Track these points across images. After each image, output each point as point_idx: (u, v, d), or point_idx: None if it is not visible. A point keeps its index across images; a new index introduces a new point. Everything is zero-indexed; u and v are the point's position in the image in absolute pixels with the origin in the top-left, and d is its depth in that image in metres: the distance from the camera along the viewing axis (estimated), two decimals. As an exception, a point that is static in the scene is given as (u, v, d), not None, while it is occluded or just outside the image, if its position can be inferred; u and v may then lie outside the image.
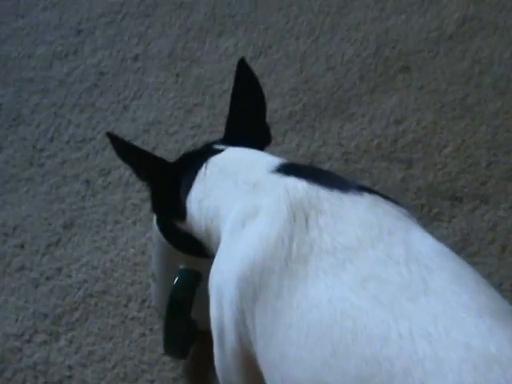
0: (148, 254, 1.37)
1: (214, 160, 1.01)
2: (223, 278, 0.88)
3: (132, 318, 1.31)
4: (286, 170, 0.92)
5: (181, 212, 1.04)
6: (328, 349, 0.72)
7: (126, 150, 1.09)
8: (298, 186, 0.86)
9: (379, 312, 0.71)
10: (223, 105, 1.66)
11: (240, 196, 0.92)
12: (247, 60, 1.71)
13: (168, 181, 1.07)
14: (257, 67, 1.72)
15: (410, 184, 1.52)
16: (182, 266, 1.15)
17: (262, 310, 0.80)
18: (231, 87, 1.67)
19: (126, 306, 1.33)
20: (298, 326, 0.76)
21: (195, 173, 1.01)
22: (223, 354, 0.91)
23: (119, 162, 1.53)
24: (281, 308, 0.78)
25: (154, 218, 1.19)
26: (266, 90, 1.68)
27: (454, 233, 1.43)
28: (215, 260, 0.92)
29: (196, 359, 1.27)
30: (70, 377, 1.24)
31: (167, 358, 1.26)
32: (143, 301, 1.33)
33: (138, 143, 1.58)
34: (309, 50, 1.78)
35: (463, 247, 1.40)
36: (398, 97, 1.68)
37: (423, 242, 0.79)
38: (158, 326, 1.28)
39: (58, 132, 1.60)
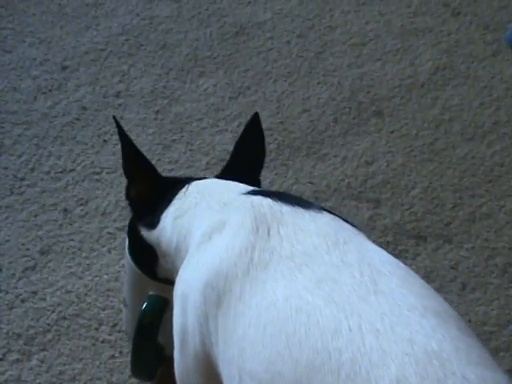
0: (121, 281, 1.41)
1: (196, 183, 1.08)
2: (189, 286, 0.92)
3: (103, 341, 1.34)
4: (255, 192, 0.99)
5: (153, 222, 1.10)
6: (283, 342, 0.77)
7: (126, 141, 1.15)
8: (263, 202, 0.92)
9: (332, 309, 0.76)
10: (200, 142, 1.71)
11: (210, 215, 0.98)
12: (226, 100, 1.80)
13: (153, 188, 1.13)
14: (235, 107, 1.79)
15: (377, 222, 1.57)
16: (151, 292, 1.19)
17: (225, 314, 0.85)
18: (209, 125, 1.75)
19: (97, 329, 1.36)
20: (256, 324, 0.80)
21: (177, 191, 1.07)
22: (184, 357, 0.94)
23: (97, 192, 1.59)
24: (242, 310, 0.83)
25: (126, 246, 1.24)
26: (242, 129, 1.75)
27: (418, 270, 1.47)
28: (181, 271, 0.97)
29: (162, 382, 1.30)
30: (39, 395, 1.27)
31: (135, 380, 1.29)
32: (114, 325, 1.37)
33: (116, 175, 1.63)
34: (286, 92, 1.84)
35: (426, 283, 1.45)
36: (369, 139, 1.74)
37: (376, 252, 0.85)
38: (128, 349, 1.31)
39: (38, 162, 1.64)
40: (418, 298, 0.77)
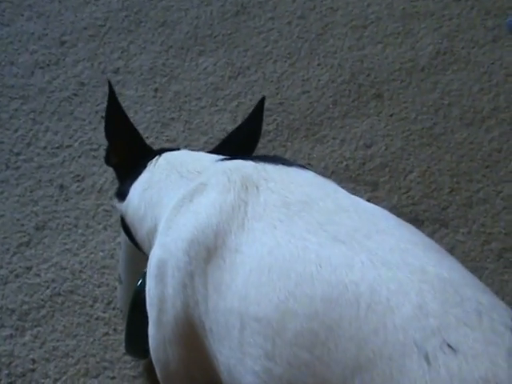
0: (116, 258, 1.40)
1: (166, 155, 1.08)
2: (167, 250, 0.92)
3: (97, 318, 1.34)
4: (230, 158, 1.00)
5: (123, 193, 1.10)
6: (292, 280, 0.78)
7: (113, 100, 1.13)
8: (245, 164, 0.94)
9: (339, 247, 0.79)
10: (199, 121, 1.71)
11: (184, 184, 0.98)
12: (225, 79, 1.79)
13: (134, 155, 1.12)
14: (234, 87, 1.78)
15: (374, 205, 1.57)
16: (146, 269, 1.18)
17: (218, 267, 0.85)
18: (208, 104, 1.74)
19: (91, 306, 1.36)
20: (259, 268, 0.81)
21: (147, 162, 1.07)
22: (162, 329, 0.94)
23: (94, 169, 1.58)
24: (240, 260, 0.84)
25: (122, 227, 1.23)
26: (241, 109, 1.75)
27: (414, 253, 1.48)
28: (157, 239, 0.96)
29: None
30: (33, 370, 1.27)
31: (128, 358, 1.29)
32: (109, 302, 1.36)
33: (113, 153, 1.62)
34: (285, 73, 1.83)
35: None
36: (368, 122, 1.74)
37: (364, 201, 0.89)
38: (122, 326, 1.31)
39: (35, 138, 1.63)
40: (416, 236, 0.81)
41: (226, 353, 0.84)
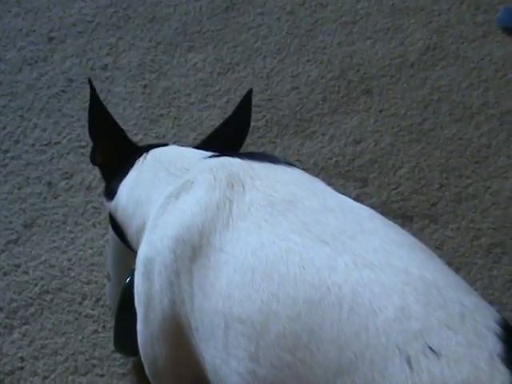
0: (105, 256, 1.40)
1: (153, 152, 1.07)
2: (154, 248, 0.92)
3: (86, 316, 1.34)
4: (217, 155, 1.00)
5: (111, 192, 1.09)
6: (275, 281, 0.78)
7: (95, 99, 1.12)
8: (232, 161, 0.93)
9: (323, 248, 0.78)
10: (188, 117, 1.70)
11: (172, 181, 0.98)
12: (214, 75, 1.78)
13: (119, 153, 1.11)
14: (224, 83, 1.77)
15: (364, 201, 1.56)
16: (134, 267, 1.18)
17: (203, 266, 0.85)
18: (197, 100, 1.73)
19: (80, 303, 1.35)
20: (242, 269, 0.81)
21: (134, 160, 1.07)
22: (150, 326, 0.93)
23: (82, 166, 1.58)
24: (224, 259, 0.83)
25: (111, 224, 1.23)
26: (231, 106, 1.74)
27: (404, 249, 1.48)
28: (144, 236, 0.96)
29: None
30: (21, 368, 1.26)
31: (118, 355, 1.28)
32: (98, 299, 1.36)
33: (102, 149, 1.61)
34: (275, 69, 1.82)
35: (411, 263, 1.45)
36: (358, 118, 1.73)
37: (351, 201, 0.88)
38: (111, 324, 1.31)
39: (23, 134, 1.62)
40: (401, 237, 0.81)
41: (211, 352, 0.84)
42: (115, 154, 1.11)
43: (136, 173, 1.05)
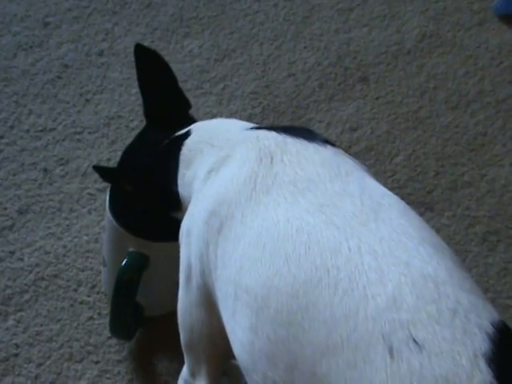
0: (101, 242, 1.40)
1: (188, 140, 1.06)
2: (194, 219, 0.95)
3: (81, 302, 1.34)
4: (258, 127, 1.02)
5: (175, 202, 1.08)
6: (282, 258, 0.80)
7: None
8: (267, 135, 0.95)
9: (332, 230, 0.79)
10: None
11: (214, 153, 1.00)
12: (211, 62, 1.78)
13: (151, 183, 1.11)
14: (220, 69, 1.77)
15: (360, 189, 1.57)
16: (131, 249, 1.18)
17: (225, 238, 0.88)
18: (193, 87, 1.73)
19: (75, 290, 1.35)
20: (256, 243, 0.84)
21: (176, 160, 1.06)
22: (189, 292, 0.97)
23: (78, 152, 1.57)
24: (242, 231, 0.86)
25: (107, 200, 1.22)
26: (227, 92, 1.74)
27: (399, 237, 1.48)
28: (188, 209, 0.99)
29: (140, 343, 1.30)
30: (16, 355, 1.26)
31: (113, 341, 1.29)
32: (93, 286, 1.36)
33: (98, 136, 1.61)
34: (272, 55, 1.82)
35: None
36: (354, 106, 1.73)
37: (377, 187, 0.88)
38: (106, 310, 1.31)
39: (18, 120, 1.62)
40: (416, 229, 0.80)
41: (225, 321, 0.87)
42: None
43: (184, 168, 1.05)
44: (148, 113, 1.16)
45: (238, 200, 0.88)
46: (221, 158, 0.97)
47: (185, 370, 1.03)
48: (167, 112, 1.13)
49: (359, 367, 0.70)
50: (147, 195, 1.13)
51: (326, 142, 0.95)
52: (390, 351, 0.69)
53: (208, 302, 0.94)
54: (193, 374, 1.01)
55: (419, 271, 0.74)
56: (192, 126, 1.09)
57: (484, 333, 0.70)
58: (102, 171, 1.16)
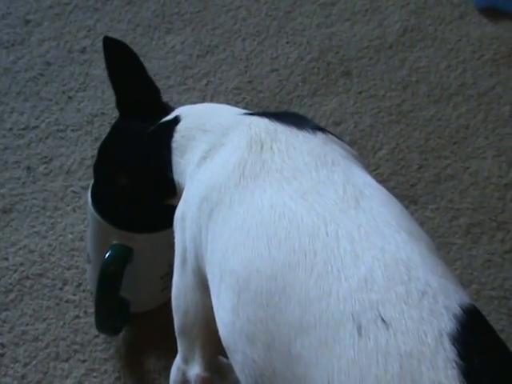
0: (86, 240, 1.39)
1: (179, 127, 1.07)
2: (188, 204, 0.98)
3: (67, 301, 1.34)
4: (251, 113, 1.03)
5: (171, 189, 1.09)
6: (263, 243, 0.83)
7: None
8: (260, 122, 0.97)
9: (312, 217, 0.82)
10: (167, 100, 1.67)
11: (207, 139, 1.01)
12: (194, 58, 1.77)
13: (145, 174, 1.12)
14: (203, 65, 1.77)
15: (344, 183, 1.57)
16: (114, 242, 1.18)
17: (214, 222, 0.91)
18: (176, 83, 1.73)
19: (61, 289, 1.35)
20: (241, 228, 0.86)
21: (168, 147, 1.06)
22: (184, 277, 0.99)
23: (61, 150, 1.57)
24: (229, 216, 0.89)
25: (89, 193, 1.22)
26: (210, 88, 1.74)
27: (384, 230, 1.48)
28: (183, 194, 1.01)
29: (127, 341, 1.30)
30: (2, 355, 1.26)
31: (100, 340, 1.29)
32: (79, 284, 1.36)
33: (81, 133, 1.60)
34: (254, 51, 1.82)
35: (391, 244, 1.46)
36: (337, 100, 1.74)
37: (362, 177, 0.90)
38: (93, 309, 1.30)
39: (0, 119, 1.61)
40: (394, 218, 0.82)
41: (213, 302, 0.90)
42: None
43: (178, 156, 1.06)
44: (121, 104, 1.17)
45: (227, 185, 0.91)
46: (214, 145, 0.99)
47: (178, 358, 1.04)
48: (140, 101, 1.14)
49: (329, 345, 0.73)
50: (141, 184, 1.13)
51: (317, 128, 0.97)
52: (359, 330, 0.72)
53: (202, 285, 0.96)
54: (186, 361, 1.02)
55: (392, 255, 0.76)
56: (179, 112, 1.10)
57: (451, 313, 0.72)
58: (98, 170, 1.17)
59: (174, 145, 1.06)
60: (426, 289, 0.73)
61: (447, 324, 0.71)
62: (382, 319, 0.71)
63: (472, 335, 0.71)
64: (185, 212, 0.98)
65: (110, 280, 1.15)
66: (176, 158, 1.06)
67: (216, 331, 0.92)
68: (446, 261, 1.45)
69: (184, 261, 0.99)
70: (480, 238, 1.52)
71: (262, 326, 0.80)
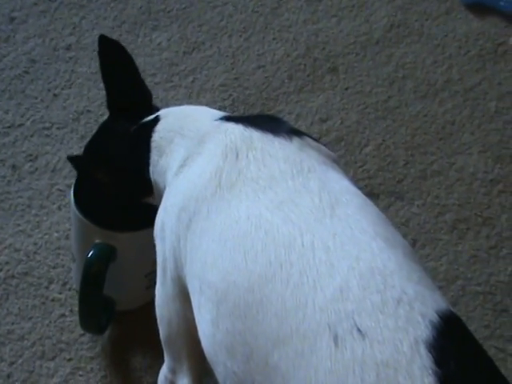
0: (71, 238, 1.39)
1: (159, 127, 1.07)
2: (167, 213, 0.97)
3: (52, 300, 1.33)
4: (228, 118, 1.02)
5: (147, 187, 1.09)
6: (240, 254, 0.83)
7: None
8: (235, 129, 0.96)
9: (288, 227, 0.82)
10: (154, 97, 1.67)
11: (185, 144, 1.01)
12: (180, 55, 1.77)
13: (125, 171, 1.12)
14: (189, 62, 1.76)
15: (330, 179, 1.57)
16: (97, 241, 1.18)
17: (193, 233, 0.90)
18: (163, 80, 1.72)
19: (47, 287, 1.35)
20: (218, 239, 0.86)
21: (148, 146, 1.07)
22: (165, 285, 0.99)
23: (47, 148, 1.56)
24: (207, 227, 0.89)
25: (71, 192, 1.21)
26: (196, 85, 1.74)
27: (370, 227, 1.49)
28: (162, 201, 1.01)
29: (113, 340, 1.30)
30: (-13, 354, 1.26)
31: (85, 339, 1.28)
32: (64, 283, 1.35)
33: (67, 131, 1.60)
34: (241, 47, 1.82)
35: (377, 240, 1.46)
36: (324, 96, 1.74)
37: (338, 182, 0.90)
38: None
39: (-14, 117, 1.60)
40: (370, 224, 0.82)
41: (195, 314, 0.90)
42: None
43: (156, 155, 1.06)
44: (111, 104, 1.17)
45: (204, 195, 0.90)
46: (191, 153, 0.98)
47: (165, 367, 1.04)
48: (131, 102, 1.14)
49: (306, 356, 0.73)
50: (121, 182, 1.14)
51: (293, 132, 0.96)
52: (335, 340, 0.72)
53: (183, 295, 0.95)
54: (174, 371, 1.02)
55: (368, 264, 0.76)
56: (160, 112, 1.10)
57: (427, 321, 0.71)
58: (76, 162, 1.17)
59: (153, 144, 1.06)
60: (401, 296, 0.73)
61: (423, 331, 0.70)
62: (358, 329, 0.71)
63: (449, 341, 0.71)
64: (164, 222, 0.98)
65: (93, 279, 1.15)
66: (154, 158, 1.06)
67: (200, 342, 0.92)
68: (432, 257, 1.47)
69: (164, 270, 0.99)
70: (466, 234, 1.52)
71: (240, 338, 0.80)
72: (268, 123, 0.97)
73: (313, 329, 0.73)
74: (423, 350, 0.69)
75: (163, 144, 1.05)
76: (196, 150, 0.98)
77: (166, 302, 0.99)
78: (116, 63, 1.15)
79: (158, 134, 1.06)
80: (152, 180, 1.08)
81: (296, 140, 0.94)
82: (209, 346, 0.86)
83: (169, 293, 0.98)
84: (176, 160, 1.01)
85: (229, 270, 0.83)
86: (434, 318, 0.72)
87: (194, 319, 0.92)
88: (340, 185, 0.89)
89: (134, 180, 1.12)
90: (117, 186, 1.14)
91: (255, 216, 0.84)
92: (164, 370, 1.04)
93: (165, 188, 1.04)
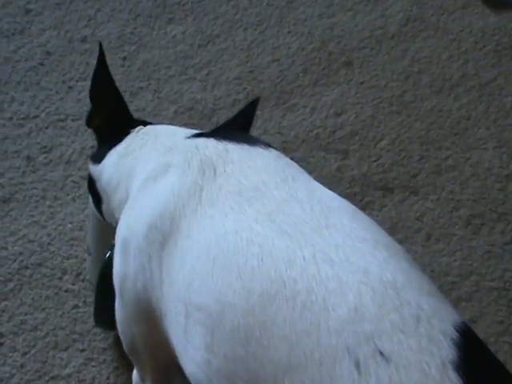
0: (85, 230, 1.39)
1: (148, 127, 1.07)
2: (131, 230, 0.92)
3: (66, 290, 1.34)
4: (199, 135, 0.99)
5: (99, 156, 1.08)
6: (234, 272, 0.77)
7: (102, 63, 1.08)
8: (207, 144, 0.92)
9: (284, 240, 0.76)
10: (168, 90, 1.69)
11: (154, 157, 0.98)
12: (195, 47, 1.77)
13: (115, 121, 1.09)
14: (204, 55, 1.76)
15: (344, 173, 1.57)
16: (114, 241, 1.18)
17: (171, 253, 0.84)
18: (177, 73, 1.72)
19: (60, 278, 1.35)
20: (205, 257, 0.80)
21: (129, 130, 1.06)
22: (124, 305, 0.94)
23: (61, 140, 1.57)
24: (190, 246, 0.83)
25: (90, 196, 1.22)
26: (211, 78, 1.73)
27: (384, 221, 1.48)
28: (123, 215, 0.96)
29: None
30: (1, 344, 1.26)
31: (98, 330, 1.29)
32: (78, 274, 1.36)
33: (81, 123, 1.60)
34: (255, 41, 1.81)
35: (391, 235, 1.43)
36: (339, 90, 1.73)
37: (323, 190, 0.86)
38: (91, 298, 1.31)
39: (0, 108, 1.61)
40: (368, 232, 0.78)
41: (175, 339, 0.84)
42: (112, 120, 1.09)
43: (127, 143, 1.05)
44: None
45: (183, 213, 0.85)
46: (160, 166, 0.94)
47: (135, 373, 1.03)
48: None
49: (325, 383, 0.68)
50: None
51: (269, 145, 0.93)
52: (357, 365, 0.67)
53: (148, 317, 0.90)
54: (142, 379, 1.01)
55: (378, 278, 0.72)
56: (133, 128, 1.08)
57: (449, 339, 0.68)
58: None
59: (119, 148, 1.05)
60: (419, 313, 0.70)
61: (448, 352, 0.67)
62: (381, 352, 0.67)
63: (472, 360, 0.68)
64: (128, 238, 0.92)
65: (110, 280, 1.15)
66: (124, 144, 1.04)
67: (163, 360, 0.88)
68: (446, 252, 1.46)
69: (124, 289, 0.93)
70: (480, 229, 1.51)
71: (242, 365, 0.74)
72: (241, 137, 0.94)
73: (330, 354, 0.68)
74: (451, 373, 0.66)
75: (135, 143, 1.03)
76: (165, 165, 0.93)
77: (127, 320, 0.95)
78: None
79: (139, 131, 1.05)
80: (106, 156, 1.06)
81: (273, 150, 0.92)
82: (202, 373, 0.79)
83: (129, 314, 0.94)
84: (143, 170, 0.97)
85: (222, 291, 0.77)
86: (454, 334, 0.69)
87: (158, 340, 0.88)
88: (326, 193, 0.85)
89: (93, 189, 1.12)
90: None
91: (244, 229, 0.79)
92: (134, 376, 1.03)
93: (118, 188, 1.01)
